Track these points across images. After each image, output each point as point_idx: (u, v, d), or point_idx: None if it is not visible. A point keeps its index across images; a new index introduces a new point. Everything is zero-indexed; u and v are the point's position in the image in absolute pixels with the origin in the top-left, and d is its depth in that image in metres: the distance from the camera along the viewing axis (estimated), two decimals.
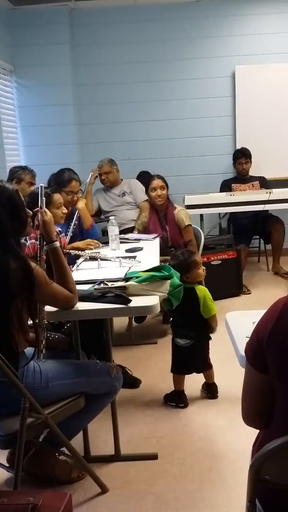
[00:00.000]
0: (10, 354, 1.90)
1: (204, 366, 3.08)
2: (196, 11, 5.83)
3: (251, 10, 5.82)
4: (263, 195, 5.01)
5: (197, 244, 4.16)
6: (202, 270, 3.06)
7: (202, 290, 3.01)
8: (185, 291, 2.64)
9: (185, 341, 3.00)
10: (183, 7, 5.81)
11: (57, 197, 3.04)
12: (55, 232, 2.26)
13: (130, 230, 4.55)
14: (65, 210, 3.13)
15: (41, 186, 2.32)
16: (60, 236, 3.06)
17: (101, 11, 5.77)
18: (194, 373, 3.08)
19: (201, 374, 3.11)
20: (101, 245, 3.57)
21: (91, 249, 3.45)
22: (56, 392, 2.09)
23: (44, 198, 2.27)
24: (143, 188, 5.00)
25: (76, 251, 3.27)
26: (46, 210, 2.26)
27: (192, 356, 3.03)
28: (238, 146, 5.78)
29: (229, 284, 4.88)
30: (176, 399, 3.03)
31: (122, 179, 5.14)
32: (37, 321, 2.08)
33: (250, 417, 1.41)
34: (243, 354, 1.39)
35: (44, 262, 2.22)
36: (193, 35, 5.88)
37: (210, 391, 3.10)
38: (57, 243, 2.22)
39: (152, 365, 3.52)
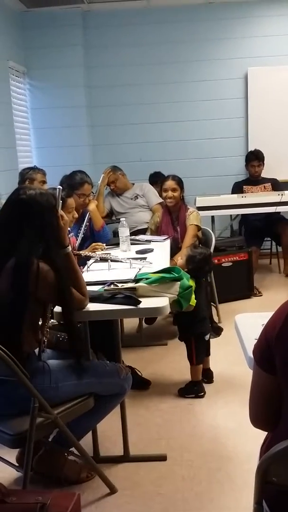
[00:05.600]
0: (20, 353, 1.92)
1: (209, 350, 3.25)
2: (208, 13, 5.82)
3: (263, 11, 5.81)
4: (274, 196, 5.00)
5: (208, 246, 4.15)
6: None
7: None
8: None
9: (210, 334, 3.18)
10: (195, 9, 5.81)
11: (71, 202, 3.06)
12: (67, 237, 2.21)
13: (143, 231, 4.54)
14: (76, 215, 3.14)
15: (59, 189, 2.17)
16: (69, 236, 3.07)
17: (113, 13, 5.78)
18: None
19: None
20: (105, 246, 3.56)
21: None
22: (65, 393, 2.09)
23: (60, 202, 2.17)
24: (155, 192, 4.99)
25: (86, 253, 3.28)
26: (63, 213, 2.17)
27: (208, 345, 3.20)
28: (250, 148, 5.76)
29: (240, 286, 4.86)
30: (195, 390, 3.08)
31: (133, 184, 5.11)
32: (46, 320, 2.10)
33: (257, 419, 1.41)
34: (252, 356, 1.39)
35: None
36: (205, 37, 5.87)
37: (207, 376, 3.21)
38: (69, 248, 2.18)
39: (162, 366, 3.52)
